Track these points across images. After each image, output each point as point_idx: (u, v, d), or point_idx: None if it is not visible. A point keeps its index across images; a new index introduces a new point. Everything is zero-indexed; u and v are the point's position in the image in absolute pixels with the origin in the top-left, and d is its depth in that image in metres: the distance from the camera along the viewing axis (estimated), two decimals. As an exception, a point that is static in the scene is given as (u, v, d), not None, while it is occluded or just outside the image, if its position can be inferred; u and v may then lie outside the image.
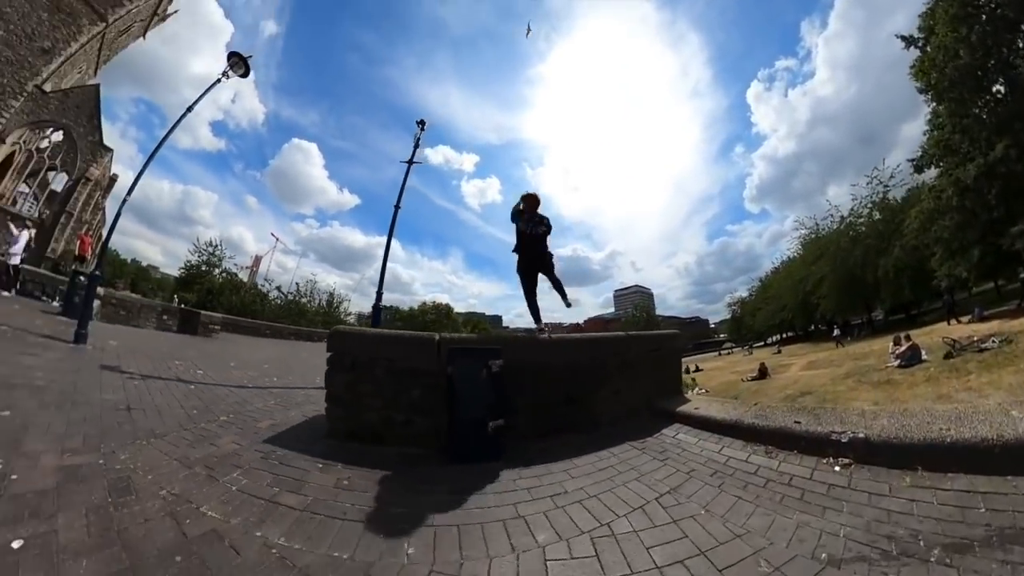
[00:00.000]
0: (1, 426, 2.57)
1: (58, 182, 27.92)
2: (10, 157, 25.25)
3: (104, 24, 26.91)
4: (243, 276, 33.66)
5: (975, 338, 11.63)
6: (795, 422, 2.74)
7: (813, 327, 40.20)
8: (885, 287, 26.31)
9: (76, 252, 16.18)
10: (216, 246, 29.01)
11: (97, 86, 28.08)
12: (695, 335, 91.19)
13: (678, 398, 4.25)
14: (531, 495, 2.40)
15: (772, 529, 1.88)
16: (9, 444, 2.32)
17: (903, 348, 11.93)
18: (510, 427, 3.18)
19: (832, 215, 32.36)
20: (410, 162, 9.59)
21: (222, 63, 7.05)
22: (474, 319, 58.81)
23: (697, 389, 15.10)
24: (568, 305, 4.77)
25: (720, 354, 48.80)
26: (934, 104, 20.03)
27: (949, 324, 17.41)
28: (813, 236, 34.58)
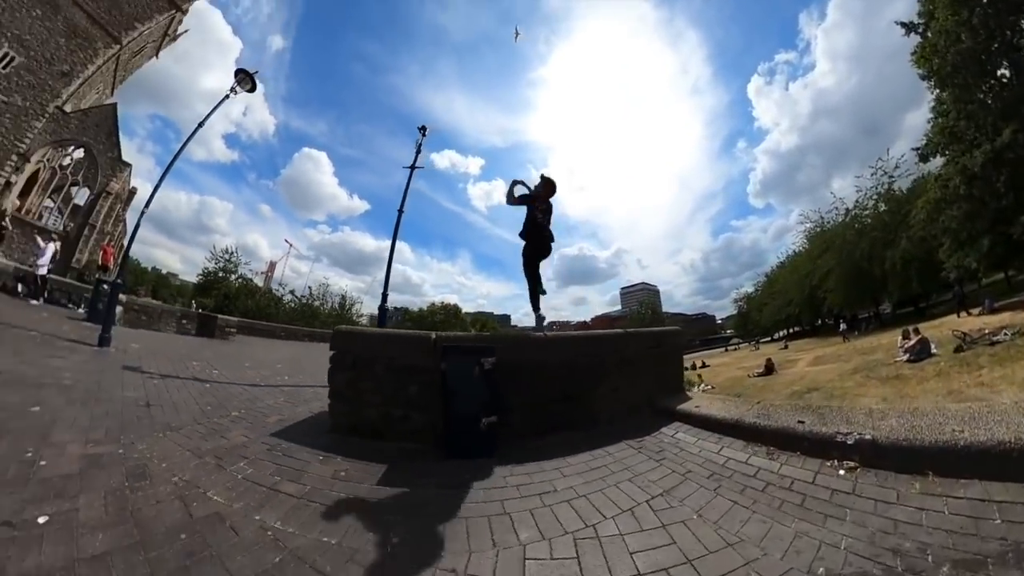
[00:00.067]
0: (31, 420, 2.76)
1: (81, 197, 28.84)
2: (35, 174, 26.20)
3: (118, 46, 27.79)
4: (258, 281, 34.27)
5: (986, 331, 11.20)
6: (798, 422, 2.59)
7: (820, 321, 39.45)
8: (892, 280, 25.69)
9: (99, 262, 16.66)
10: (232, 253, 29.62)
11: (114, 105, 28.99)
12: (702, 331, 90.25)
13: (679, 395, 4.14)
14: (520, 492, 2.38)
15: (768, 538, 1.75)
16: (39, 435, 2.51)
17: (912, 342, 11.55)
18: (505, 424, 3.17)
19: (837, 208, 31.79)
20: (412, 167, 9.75)
21: (232, 78, 7.27)
22: (482, 318, 59.01)
23: (703, 385, 14.93)
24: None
25: (727, 350, 48.13)
26: (937, 91, 19.35)
27: (959, 316, 16.85)
28: (818, 230, 33.90)
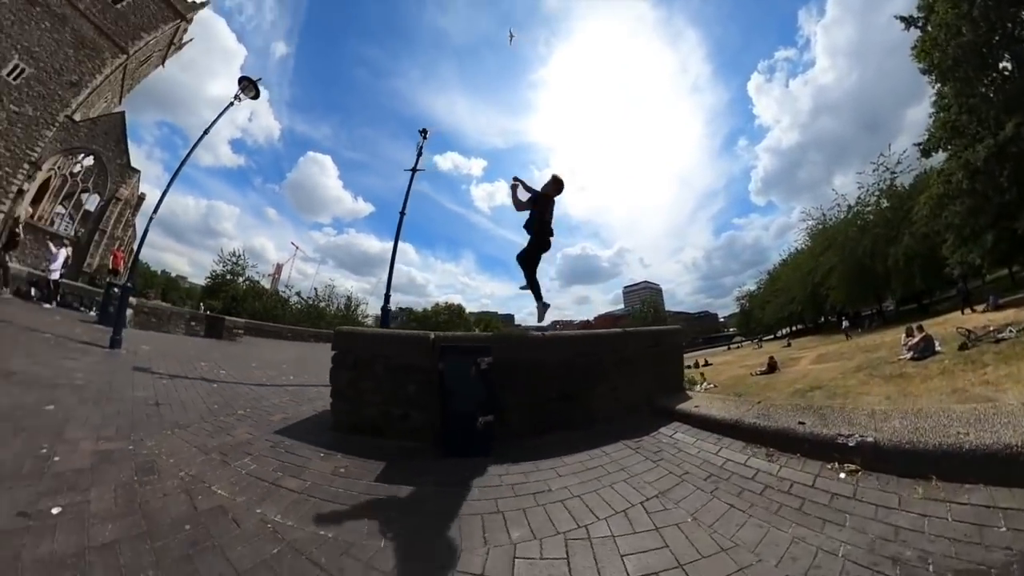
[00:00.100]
0: (46, 418, 2.86)
1: (91, 203, 29.30)
2: (47, 182, 26.67)
3: (125, 56, 28.25)
4: (265, 283, 34.64)
5: (991, 328, 10.88)
6: (799, 423, 2.51)
7: (823, 319, 39.10)
8: (895, 277, 25.37)
9: (110, 266, 16.93)
10: (239, 256, 30.06)
11: (122, 113, 29.44)
12: (704, 329, 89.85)
13: (679, 395, 4.08)
14: (514, 491, 2.38)
15: (763, 543, 1.69)
16: (53, 433, 2.60)
17: (916, 340, 11.34)
18: (502, 423, 3.17)
19: (839, 205, 31.51)
20: (414, 170, 9.82)
21: (237, 85, 7.37)
22: (486, 318, 59.11)
23: (705, 383, 14.85)
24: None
25: (729, 348, 47.86)
26: (938, 85, 19.09)
27: (963, 313, 16.64)
28: (820, 227, 33.61)
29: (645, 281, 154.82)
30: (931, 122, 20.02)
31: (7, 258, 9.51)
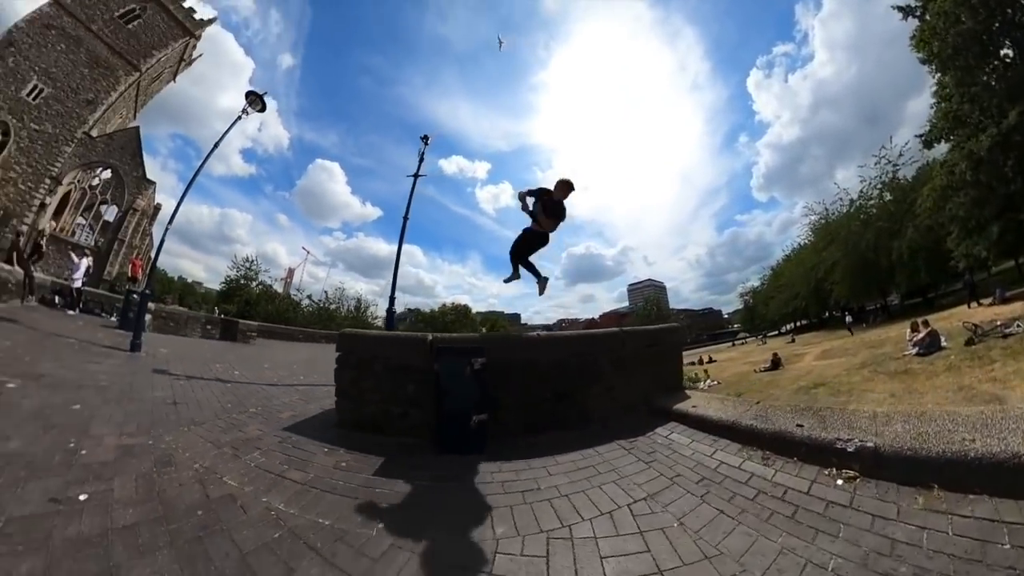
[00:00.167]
0: (73, 417, 3.03)
1: (110, 214, 30.08)
2: (67, 195, 27.42)
3: (138, 73, 29.01)
4: (278, 287, 35.13)
5: (998, 322, 10.42)
6: (797, 425, 2.41)
7: (827, 314, 38.48)
8: (900, 270, 24.82)
9: (129, 274, 17.36)
10: (252, 261, 30.56)
11: (137, 127, 30.20)
12: (709, 326, 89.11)
13: (678, 394, 3.99)
14: (504, 489, 2.41)
15: (749, 553, 1.61)
16: (79, 429, 2.78)
17: (921, 335, 10.96)
18: (498, 422, 3.20)
19: (841, 199, 30.83)
20: (416, 175, 9.97)
21: (245, 98, 7.55)
22: (493, 317, 59.15)
23: (709, 381, 14.71)
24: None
25: (734, 344, 47.38)
26: (939, 74, 18.42)
27: (969, 307, 16.13)
28: (823, 221, 32.92)
29: (649, 279, 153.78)
30: (932, 113, 19.37)
31: (32, 268, 9.84)
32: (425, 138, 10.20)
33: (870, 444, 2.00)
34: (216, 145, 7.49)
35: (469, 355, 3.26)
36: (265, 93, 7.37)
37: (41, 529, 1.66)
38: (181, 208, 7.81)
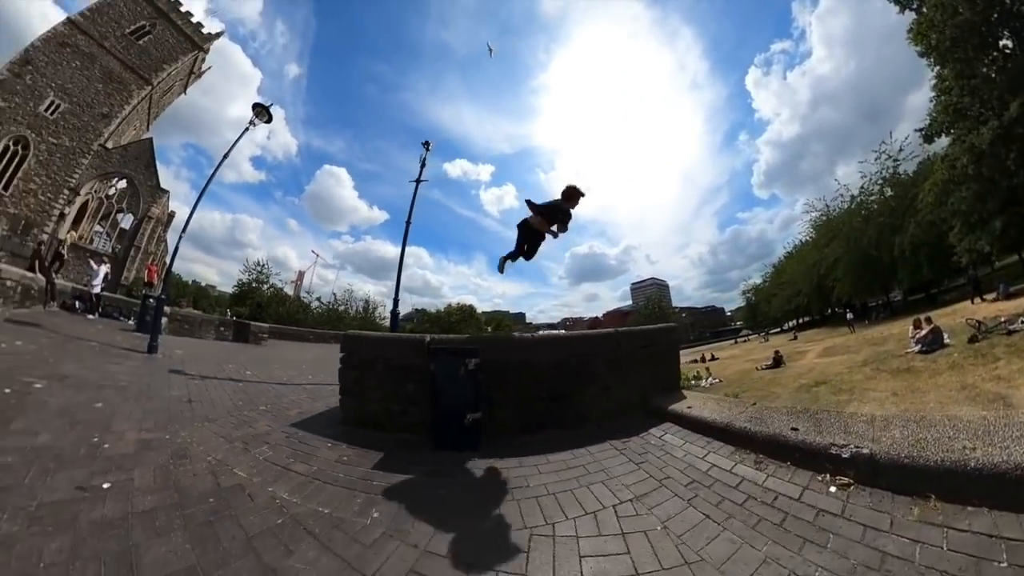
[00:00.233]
0: (96, 414, 3.20)
1: (126, 222, 30.74)
2: (85, 205, 28.10)
3: (150, 87, 29.67)
4: (288, 290, 35.56)
5: (1002, 318, 10.15)
6: (792, 428, 2.32)
7: (830, 311, 37.99)
8: (902, 266, 24.30)
9: (145, 279, 17.74)
10: (263, 265, 31.00)
11: (151, 139, 30.88)
12: (711, 324, 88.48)
13: (674, 395, 3.92)
14: (494, 485, 2.45)
15: (731, 561, 1.55)
16: (102, 426, 2.94)
17: (924, 332, 10.58)
18: (493, 421, 3.24)
19: (842, 195, 30.47)
20: (418, 180, 10.10)
21: (253, 109, 7.72)
22: (498, 317, 59.19)
23: (711, 379, 14.64)
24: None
25: (736, 342, 46.94)
26: (938, 67, 17.83)
27: (973, 303, 15.54)
28: (824, 218, 32.50)
29: (652, 277, 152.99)
30: (932, 106, 18.78)
31: (53, 275, 10.15)
32: (427, 144, 10.34)
33: (865, 451, 1.90)
34: (225, 156, 7.69)
35: (464, 355, 3.30)
36: (271, 104, 7.56)
37: (68, 513, 1.81)
38: (194, 215, 8.03)
